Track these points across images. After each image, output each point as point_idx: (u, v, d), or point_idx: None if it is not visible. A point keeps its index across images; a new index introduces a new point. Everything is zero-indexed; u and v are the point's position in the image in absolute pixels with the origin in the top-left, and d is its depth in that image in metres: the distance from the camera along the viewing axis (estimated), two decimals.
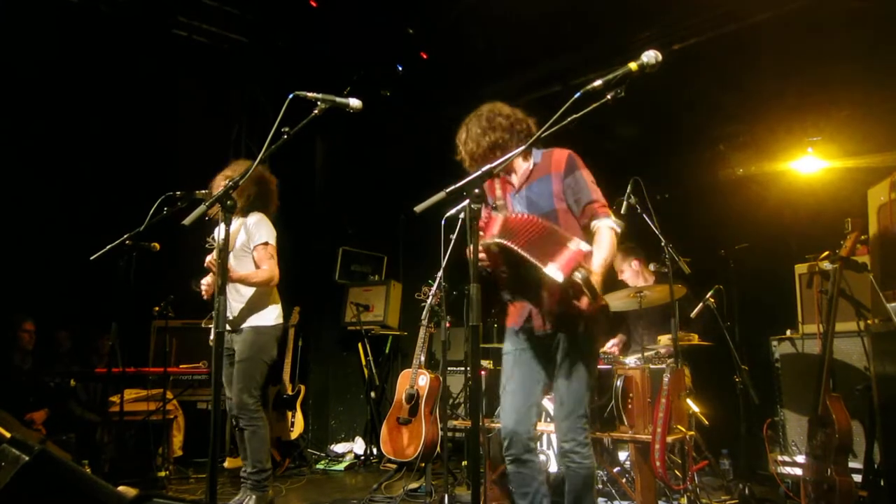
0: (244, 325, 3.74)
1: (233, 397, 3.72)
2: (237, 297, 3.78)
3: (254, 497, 3.68)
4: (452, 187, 2.12)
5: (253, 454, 3.69)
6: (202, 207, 2.61)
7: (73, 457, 4.52)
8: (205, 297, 3.81)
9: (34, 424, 4.72)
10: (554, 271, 2.29)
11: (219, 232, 3.61)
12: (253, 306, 3.76)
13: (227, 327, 3.69)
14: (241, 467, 4.97)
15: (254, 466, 3.69)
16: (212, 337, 3.79)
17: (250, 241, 3.81)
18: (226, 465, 5.41)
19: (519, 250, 2.35)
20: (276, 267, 3.80)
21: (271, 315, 3.82)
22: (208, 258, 3.68)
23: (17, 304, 5.14)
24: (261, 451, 3.70)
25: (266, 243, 3.79)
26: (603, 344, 2.73)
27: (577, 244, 2.38)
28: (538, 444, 4.15)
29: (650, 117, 5.43)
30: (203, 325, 3.84)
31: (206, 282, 3.80)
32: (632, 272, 4.85)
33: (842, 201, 4.25)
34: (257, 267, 3.78)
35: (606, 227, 2.59)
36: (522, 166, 2.80)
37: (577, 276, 2.31)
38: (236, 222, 3.80)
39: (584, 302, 2.37)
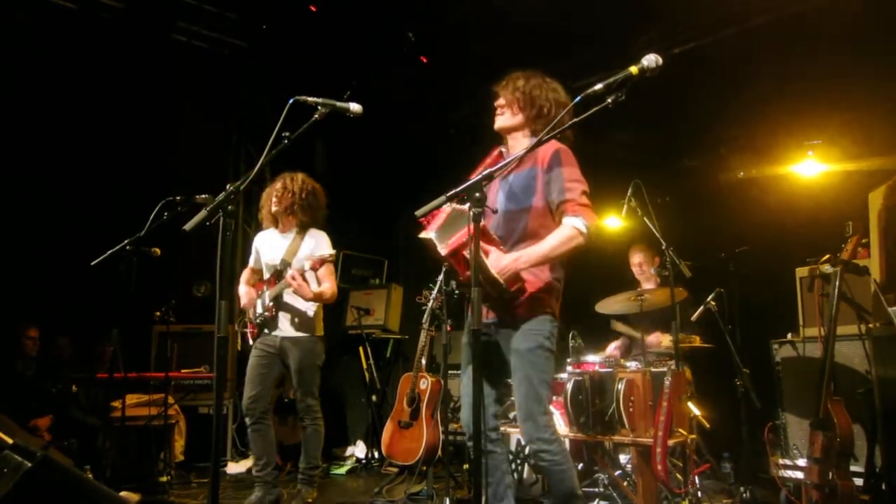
0: (304, 335, 3.99)
1: (298, 401, 4.04)
2: (296, 308, 4.01)
3: (303, 491, 4.05)
4: (453, 191, 2.12)
5: (311, 451, 4.04)
6: (203, 213, 2.61)
7: (75, 462, 4.52)
8: (244, 307, 4.13)
9: (38, 431, 4.72)
10: (442, 248, 2.45)
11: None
12: (303, 322, 4.02)
13: (283, 333, 3.99)
14: (248, 470, 5.02)
15: (309, 462, 4.04)
16: (246, 336, 4.02)
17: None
18: (228, 469, 5.41)
19: (434, 238, 2.48)
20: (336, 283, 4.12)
21: (321, 325, 4.14)
22: (291, 272, 3.83)
23: (19, 310, 5.15)
24: (318, 448, 4.07)
25: (332, 261, 4.06)
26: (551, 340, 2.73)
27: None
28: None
29: (651, 121, 5.44)
30: (238, 329, 4.08)
31: (253, 296, 4.10)
32: (640, 263, 4.87)
33: (842, 204, 4.25)
34: (319, 282, 4.01)
35: (567, 225, 2.51)
36: (519, 148, 2.72)
37: (467, 252, 2.35)
38: (292, 234, 4.08)
39: (465, 275, 2.41)
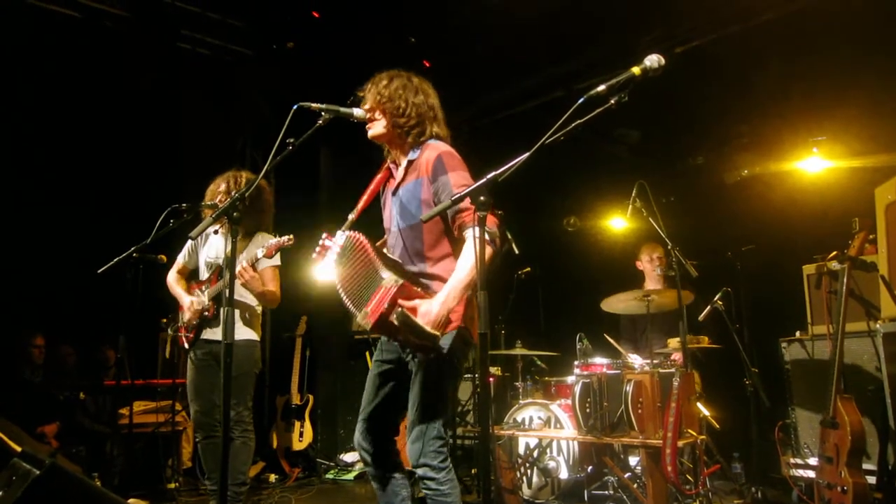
0: (243, 339, 3.67)
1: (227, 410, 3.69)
2: (239, 307, 3.70)
3: None
4: (457, 195, 2.12)
5: (238, 465, 3.61)
6: (208, 220, 2.63)
7: (84, 469, 4.53)
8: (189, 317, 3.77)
9: (46, 438, 4.74)
10: (364, 319, 2.24)
11: (225, 245, 3.63)
12: (248, 320, 3.74)
13: (216, 337, 3.67)
14: (258, 474, 4.91)
15: (235, 479, 3.58)
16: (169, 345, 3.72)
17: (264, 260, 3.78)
18: None
19: (342, 294, 2.30)
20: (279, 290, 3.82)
21: (257, 330, 3.81)
22: (242, 264, 3.54)
23: (26, 318, 5.17)
24: (246, 463, 3.69)
25: (278, 266, 3.79)
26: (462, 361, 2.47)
27: (390, 280, 2.23)
28: (549, 451, 4.14)
29: (654, 120, 5.43)
30: (170, 333, 3.81)
31: (197, 304, 3.74)
32: (650, 264, 4.85)
33: (848, 201, 4.22)
34: (264, 283, 3.76)
35: (474, 238, 2.23)
36: (404, 160, 2.57)
37: (394, 318, 2.18)
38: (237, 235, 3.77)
39: (411, 342, 2.23)
